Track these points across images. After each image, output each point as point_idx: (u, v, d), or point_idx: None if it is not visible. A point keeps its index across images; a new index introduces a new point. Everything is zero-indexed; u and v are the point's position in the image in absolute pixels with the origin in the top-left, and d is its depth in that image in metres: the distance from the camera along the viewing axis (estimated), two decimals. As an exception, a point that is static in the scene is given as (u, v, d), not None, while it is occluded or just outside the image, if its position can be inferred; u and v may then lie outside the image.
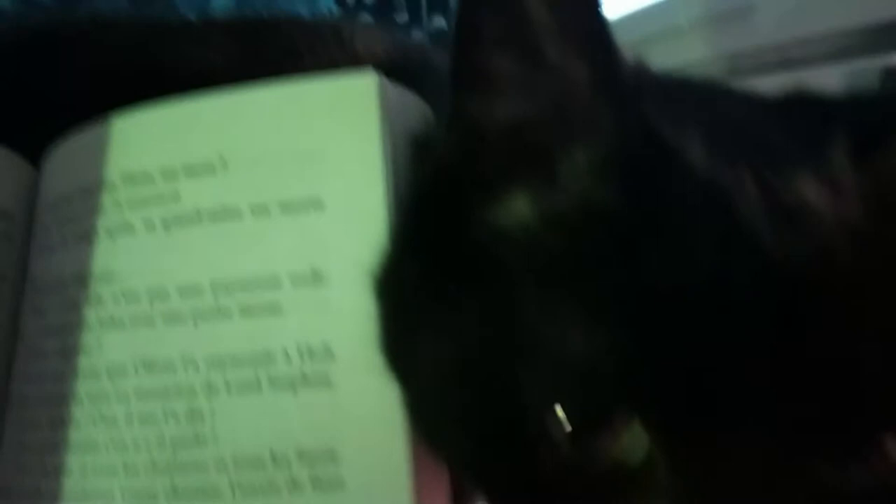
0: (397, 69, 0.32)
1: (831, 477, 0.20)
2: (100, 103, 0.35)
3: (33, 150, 0.36)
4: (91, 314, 0.31)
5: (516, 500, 0.24)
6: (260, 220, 0.29)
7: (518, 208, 0.24)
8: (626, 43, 0.23)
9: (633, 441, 0.21)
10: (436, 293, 0.25)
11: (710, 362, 0.20)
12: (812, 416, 0.20)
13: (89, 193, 0.32)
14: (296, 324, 0.28)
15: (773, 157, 0.23)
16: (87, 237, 0.31)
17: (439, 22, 1.70)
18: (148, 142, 0.32)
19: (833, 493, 0.20)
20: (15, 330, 0.34)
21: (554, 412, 0.21)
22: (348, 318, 0.28)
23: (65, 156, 0.34)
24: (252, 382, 0.28)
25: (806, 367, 0.20)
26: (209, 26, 0.47)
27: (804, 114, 0.26)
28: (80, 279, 0.31)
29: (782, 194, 0.21)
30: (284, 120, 0.30)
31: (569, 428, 0.21)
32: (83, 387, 0.30)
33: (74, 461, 0.30)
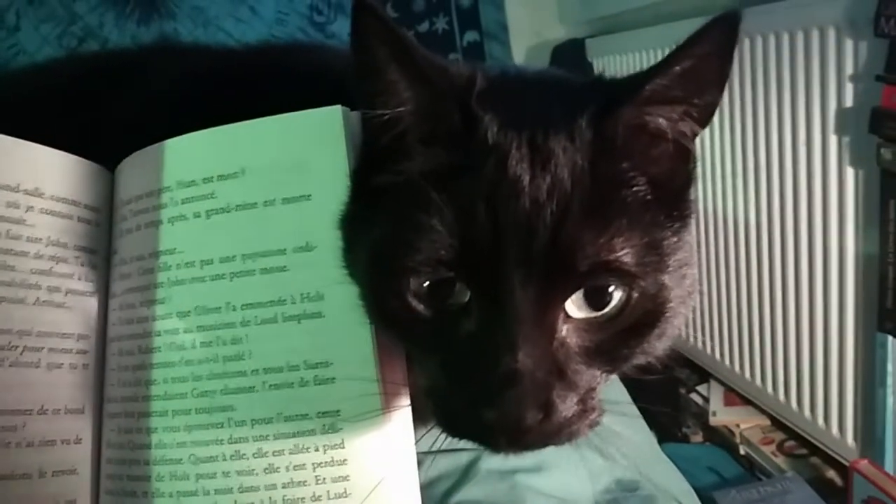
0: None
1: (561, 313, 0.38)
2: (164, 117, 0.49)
3: (109, 156, 0.49)
4: (162, 277, 0.45)
5: (401, 330, 0.41)
6: (269, 209, 0.43)
7: (411, 166, 0.40)
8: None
9: (461, 293, 0.38)
10: (362, 221, 0.42)
11: (497, 252, 0.37)
12: (540, 275, 0.37)
13: (154, 194, 0.46)
14: (297, 278, 0.43)
15: (546, 125, 0.39)
16: (154, 224, 0.46)
17: (472, 36, 1.84)
18: (191, 158, 0.45)
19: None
20: (107, 289, 0.49)
21: (418, 277, 0.38)
22: (331, 271, 0.42)
23: (133, 167, 0.48)
24: (272, 317, 0.43)
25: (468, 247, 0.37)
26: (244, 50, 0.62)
27: (582, 95, 0.42)
28: (154, 253, 0.45)
29: (542, 149, 0.38)
30: (282, 140, 0.44)
31: (425, 285, 0.39)
32: (160, 326, 0.45)
33: (158, 375, 0.45)
